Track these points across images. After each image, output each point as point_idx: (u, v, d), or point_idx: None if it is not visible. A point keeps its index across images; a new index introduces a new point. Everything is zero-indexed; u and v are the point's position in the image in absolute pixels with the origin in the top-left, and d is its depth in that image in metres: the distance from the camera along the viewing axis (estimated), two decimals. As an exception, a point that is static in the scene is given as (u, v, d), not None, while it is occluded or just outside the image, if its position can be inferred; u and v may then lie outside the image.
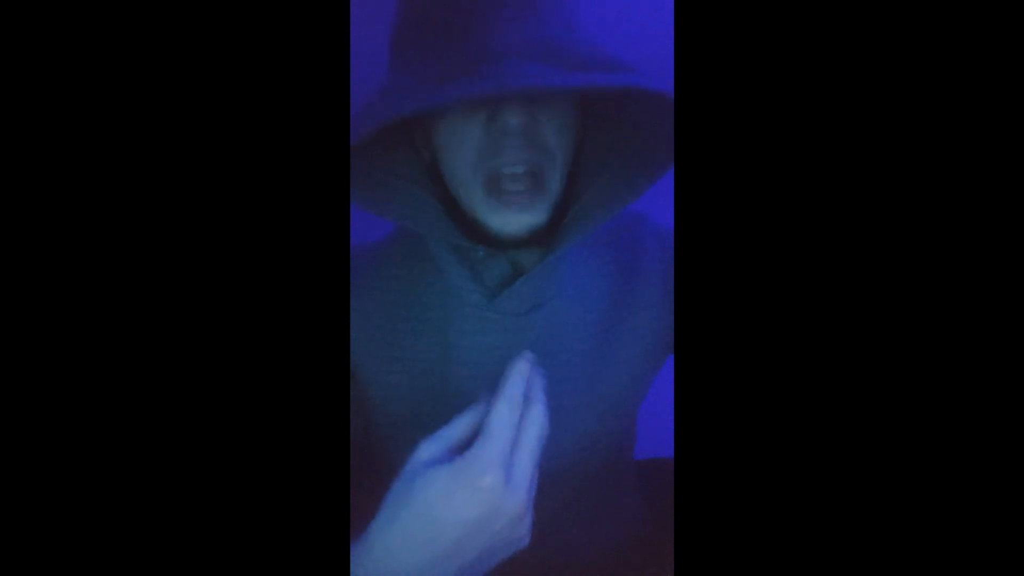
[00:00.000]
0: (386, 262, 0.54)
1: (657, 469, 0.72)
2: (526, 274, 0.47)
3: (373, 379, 0.52)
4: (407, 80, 0.39)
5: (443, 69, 0.37)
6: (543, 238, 0.46)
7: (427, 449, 0.35)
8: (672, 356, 0.58)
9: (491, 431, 0.33)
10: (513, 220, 0.44)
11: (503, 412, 0.34)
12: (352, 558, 0.32)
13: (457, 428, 0.36)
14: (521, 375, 0.35)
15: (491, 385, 0.50)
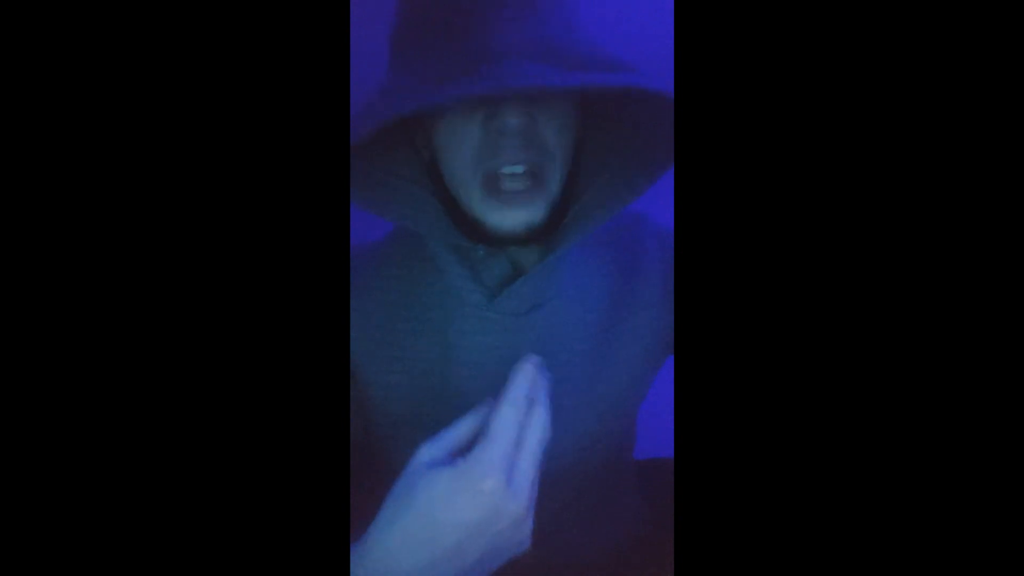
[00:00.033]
0: (386, 262, 0.54)
1: (657, 469, 0.72)
2: (526, 274, 0.47)
3: (373, 379, 0.52)
4: (407, 80, 0.39)
5: (443, 69, 0.37)
6: (541, 235, 0.46)
7: (429, 450, 0.35)
8: (672, 356, 0.58)
9: (494, 434, 0.33)
10: (511, 217, 0.44)
11: (506, 415, 0.34)
12: (352, 559, 0.32)
13: (459, 430, 0.36)
14: (525, 377, 0.35)
15: (494, 388, 0.50)
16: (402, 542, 0.32)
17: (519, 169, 0.42)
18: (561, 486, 0.54)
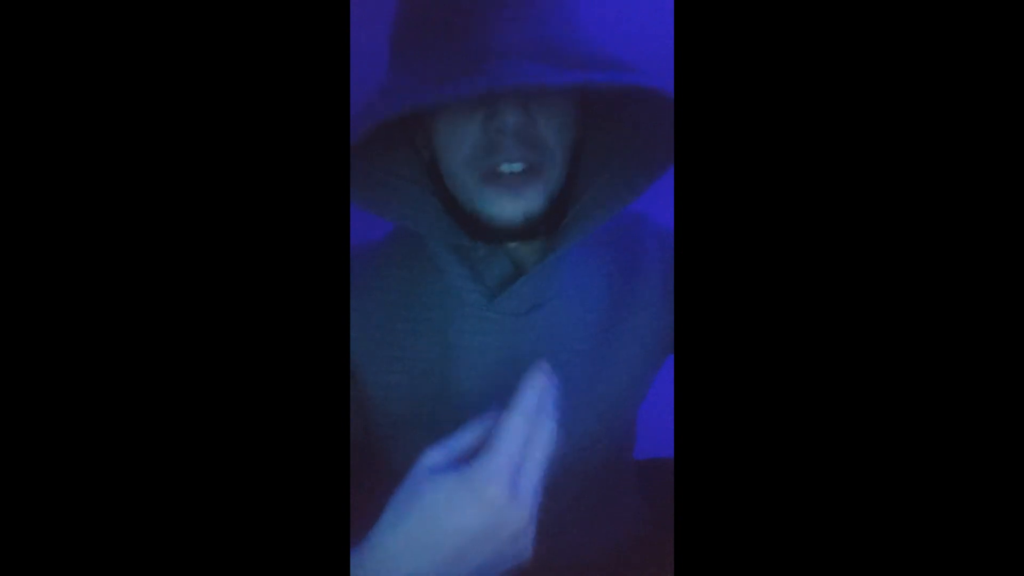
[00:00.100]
0: (386, 262, 0.54)
1: (657, 469, 0.72)
2: (526, 274, 0.47)
3: (373, 379, 0.52)
4: (407, 80, 0.39)
5: (443, 69, 0.37)
6: (540, 228, 0.45)
7: (434, 455, 0.35)
8: (672, 356, 0.58)
9: (500, 442, 0.33)
10: (509, 206, 0.43)
11: (514, 424, 0.33)
12: (353, 560, 0.32)
13: (466, 436, 0.36)
14: (535, 387, 0.35)
15: (494, 388, 0.50)
16: (403, 546, 0.32)
17: (518, 167, 0.42)
18: (561, 486, 0.54)
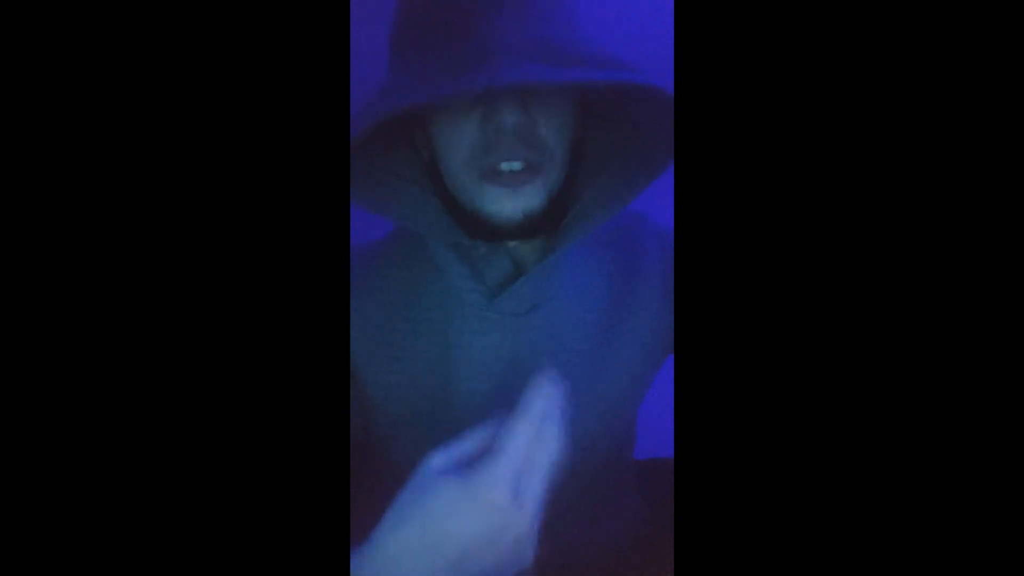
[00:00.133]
0: (386, 262, 0.54)
1: (657, 469, 0.72)
2: (526, 274, 0.47)
3: (373, 379, 0.52)
4: (407, 80, 0.39)
5: (442, 68, 0.37)
6: (540, 226, 0.45)
7: (438, 459, 0.34)
8: (672, 356, 0.58)
9: (505, 448, 0.32)
10: (509, 203, 0.43)
11: (519, 430, 0.33)
12: (353, 562, 0.32)
13: (471, 440, 0.36)
14: (542, 393, 0.35)
15: (494, 388, 0.50)
16: (404, 549, 0.31)
17: (517, 166, 0.42)
18: (561, 486, 0.53)
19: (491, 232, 0.45)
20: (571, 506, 0.55)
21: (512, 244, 0.50)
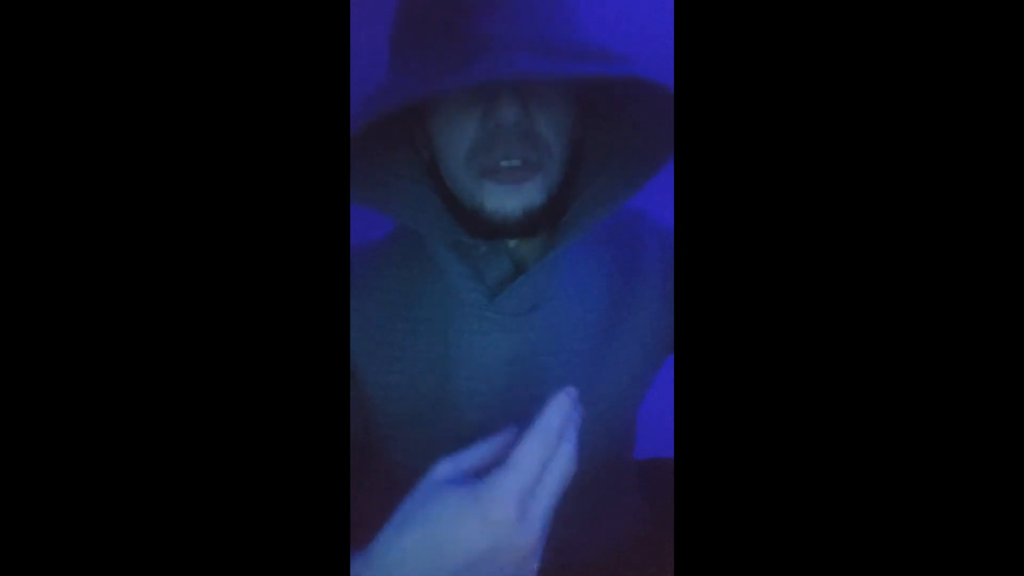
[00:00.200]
0: (386, 262, 0.54)
1: (657, 469, 0.72)
2: (526, 273, 0.47)
3: (373, 379, 0.52)
4: (407, 80, 0.39)
5: (441, 64, 0.37)
6: (540, 223, 0.45)
7: (446, 468, 0.34)
8: (672, 356, 0.58)
9: (516, 462, 0.32)
10: (509, 200, 0.43)
11: (533, 445, 0.32)
12: (354, 566, 0.32)
13: (481, 451, 0.35)
14: (558, 410, 0.34)
15: (494, 388, 0.49)
16: (405, 557, 0.31)
17: (516, 164, 0.42)
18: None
19: (491, 230, 0.45)
20: (571, 506, 0.55)
21: (512, 244, 0.50)
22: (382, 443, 0.54)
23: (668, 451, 0.74)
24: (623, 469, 0.60)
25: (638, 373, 0.55)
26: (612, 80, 0.36)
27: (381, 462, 0.56)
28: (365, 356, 0.51)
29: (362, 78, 0.96)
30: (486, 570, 0.31)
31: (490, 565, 0.31)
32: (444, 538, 0.31)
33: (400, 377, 0.51)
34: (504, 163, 0.42)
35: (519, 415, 0.48)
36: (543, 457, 0.33)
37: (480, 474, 0.33)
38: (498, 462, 0.34)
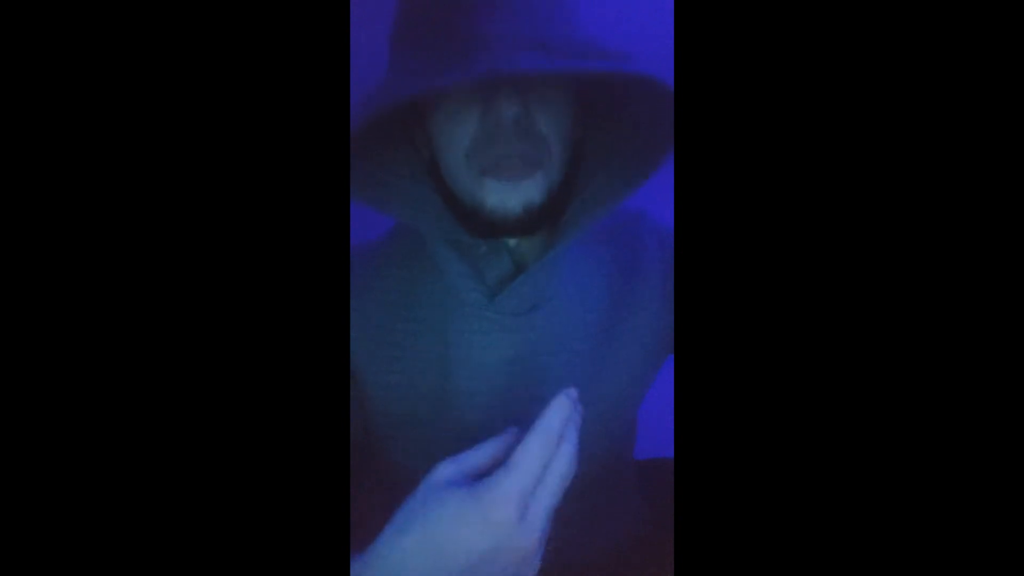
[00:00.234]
0: (386, 262, 0.54)
1: (657, 469, 0.72)
2: (526, 273, 0.47)
3: (373, 379, 0.52)
4: (406, 78, 0.39)
5: (441, 62, 0.37)
6: (540, 219, 0.45)
7: (447, 469, 0.34)
8: (672, 356, 0.58)
9: (517, 464, 0.32)
10: (508, 197, 0.43)
11: (533, 447, 0.33)
12: (354, 568, 0.32)
13: (482, 453, 0.35)
14: (559, 412, 0.34)
15: (494, 388, 0.50)
16: (406, 558, 0.31)
17: (516, 160, 0.42)
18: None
19: (492, 228, 0.45)
20: (571, 506, 0.55)
21: (512, 243, 0.50)
22: (382, 443, 0.54)
23: (668, 451, 0.75)
24: (623, 469, 0.60)
25: (638, 373, 0.55)
26: (612, 78, 0.36)
27: (381, 462, 0.56)
28: (365, 356, 0.51)
29: (362, 77, 0.96)
30: (487, 571, 0.31)
31: (491, 566, 0.31)
32: (445, 539, 0.31)
33: (400, 377, 0.51)
34: (504, 160, 0.42)
35: (519, 415, 0.48)
36: (544, 458, 0.33)
37: (481, 475, 0.33)
38: (499, 463, 0.34)
